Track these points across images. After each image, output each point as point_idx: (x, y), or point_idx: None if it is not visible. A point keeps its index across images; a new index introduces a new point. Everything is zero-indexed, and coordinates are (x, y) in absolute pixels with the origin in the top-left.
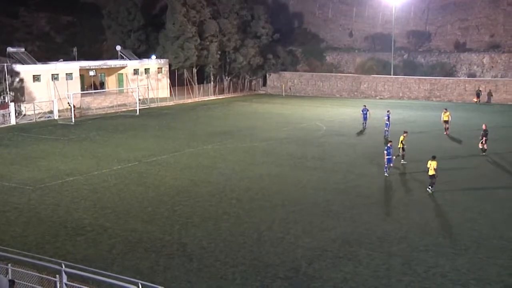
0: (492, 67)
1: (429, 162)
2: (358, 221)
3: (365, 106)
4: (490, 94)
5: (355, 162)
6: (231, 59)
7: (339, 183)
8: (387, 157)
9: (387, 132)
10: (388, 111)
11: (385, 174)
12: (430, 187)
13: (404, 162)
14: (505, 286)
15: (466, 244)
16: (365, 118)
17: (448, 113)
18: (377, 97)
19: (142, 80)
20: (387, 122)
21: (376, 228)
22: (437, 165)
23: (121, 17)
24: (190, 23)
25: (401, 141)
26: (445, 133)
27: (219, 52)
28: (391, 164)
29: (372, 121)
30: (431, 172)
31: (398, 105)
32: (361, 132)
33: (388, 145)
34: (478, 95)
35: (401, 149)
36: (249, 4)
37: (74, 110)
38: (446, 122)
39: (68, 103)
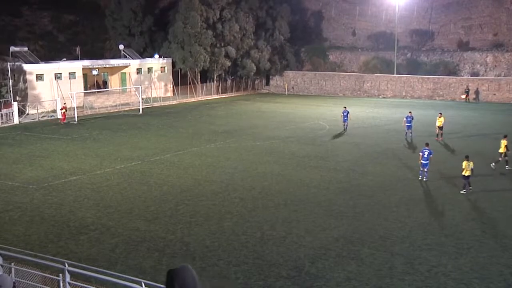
0: (495, 66)
1: (466, 162)
2: (361, 220)
3: (345, 107)
4: (477, 92)
5: (358, 161)
6: (239, 63)
7: (342, 182)
8: (422, 161)
9: (410, 134)
10: (410, 112)
11: (424, 179)
12: (467, 188)
13: (509, 168)
14: (507, 285)
15: (469, 243)
16: (345, 120)
17: (442, 118)
18: (380, 96)
19: (145, 79)
20: (408, 124)
21: (379, 227)
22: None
23: (126, 18)
24: (206, 24)
25: (505, 145)
26: (437, 138)
27: (230, 57)
28: (426, 169)
29: (375, 120)
30: (467, 173)
31: (401, 104)
32: (341, 134)
33: (425, 147)
34: (467, 93)
35: (503, 154)
36: (267, 4)
37: (65, 113)
38: (440, 128)
39: (64, 104)
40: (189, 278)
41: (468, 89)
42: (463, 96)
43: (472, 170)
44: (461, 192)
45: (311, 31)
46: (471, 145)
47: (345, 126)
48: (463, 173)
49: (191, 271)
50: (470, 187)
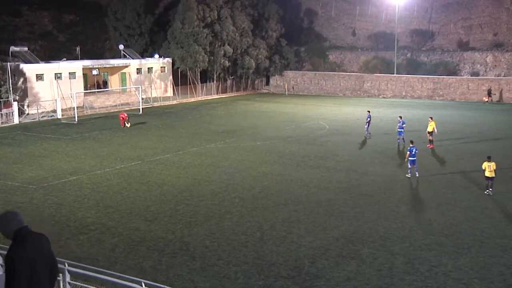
0: (495, 66)
1: (487, 163)
2: (361, 220)
3: (368, 112)
4: (501, 93)
5: (358, 161)
6: (239, 62)
7: (342, 182)
8: (410, 158)
9: (402, 141)
10: (400, 117)
11: (416, 175)
12: (490, 189)
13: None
14: (508, 285)
15: (469, 243)
16: (368, 125)
17: (433, 122)
18: (380, 96)
19: (145, 79)
20: (399, 130)
21: (379, 227)
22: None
23: (129, 19)
24: (203, 24)
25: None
26: (429, 145)
27: (228, 56)
28: (415, 166)
29: (375, 120)
30: (490, 174)
31: (401, 104)
32: (364, 142)
33: (411, 145)
34: (489, 94)
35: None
36: (260, 2)
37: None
38: (430, 133)
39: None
40: (2, 219)
41: (490, 90)
42: (485, 99)
43: (495, 171)
44: (485, 192)
45: (311, 31)
46: (471, 145)
47: (366, 132)
48: (485, 174)
49: (9, 215)
50: (491, 189)
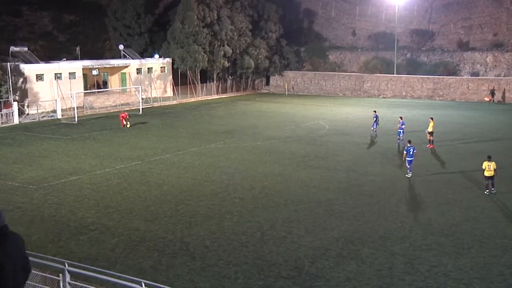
0: (495, 66)
1: (487, 163)
2: (361, 220)
3: (375, 111)
4: (504, 93)
5: (358, 161)
6: (239, 62)
7: (342, 182)
8: (408, 158)
9: (399, 141)
10: (400, 118)
11: (407, 176)
12: (492, 188)
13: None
14: (508, 285)
15: (469, 243)
16: (374, 125)
17: (432, 123)
18: (380, 96)
19: (145, 79)
20: (400, 130)
21: (379, 227)
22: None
23: (128, 18)
24: (203, 24)
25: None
26: (429, 146)
27: (227, 56)
28: (409, 166)
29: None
30: (490, 173)
31: (401, 104)
32: (373, 142)
33: (408, 145)
34: (492, 94)
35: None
36: (260, 3)
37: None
38: (431, 133)
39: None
40: None
41: (494, 90)
42: (487, 99)
43: (495, 170)
44: (485, 192)
45: (311, 31)
46: (471, 145)
47: (374, 132)
48: (485, 174)
49: None
50: (493, 189)
